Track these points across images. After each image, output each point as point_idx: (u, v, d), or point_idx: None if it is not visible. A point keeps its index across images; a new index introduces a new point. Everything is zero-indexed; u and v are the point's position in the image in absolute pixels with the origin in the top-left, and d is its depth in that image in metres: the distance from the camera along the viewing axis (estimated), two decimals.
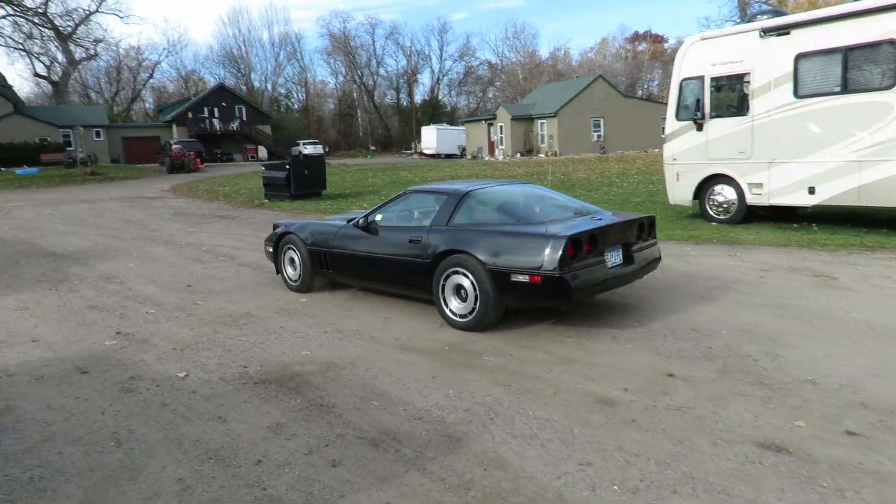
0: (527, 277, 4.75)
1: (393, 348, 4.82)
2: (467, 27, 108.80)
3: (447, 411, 3.65)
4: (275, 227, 7.14)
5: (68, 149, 41.49)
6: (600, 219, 5.30)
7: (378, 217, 6.06)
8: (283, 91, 73.15)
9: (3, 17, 32.37)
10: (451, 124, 59.55)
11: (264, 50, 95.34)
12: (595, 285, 4.85)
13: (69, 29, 36.51)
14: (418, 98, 73.29)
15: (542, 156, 40.64)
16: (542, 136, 42.55)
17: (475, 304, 5.09)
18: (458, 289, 5.24)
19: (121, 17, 53.40)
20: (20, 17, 32.56)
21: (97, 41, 40.51)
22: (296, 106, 73.50)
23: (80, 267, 8.79)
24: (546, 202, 5.81)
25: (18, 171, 34.52)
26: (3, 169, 36.62)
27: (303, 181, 17.32)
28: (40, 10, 33.07)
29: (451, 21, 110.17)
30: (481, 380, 4.11)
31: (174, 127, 49.39)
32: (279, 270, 7.04)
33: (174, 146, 36.22)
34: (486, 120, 46.32)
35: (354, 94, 74.64)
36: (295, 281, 6.83)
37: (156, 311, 6.19)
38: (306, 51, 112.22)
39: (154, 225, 13.47)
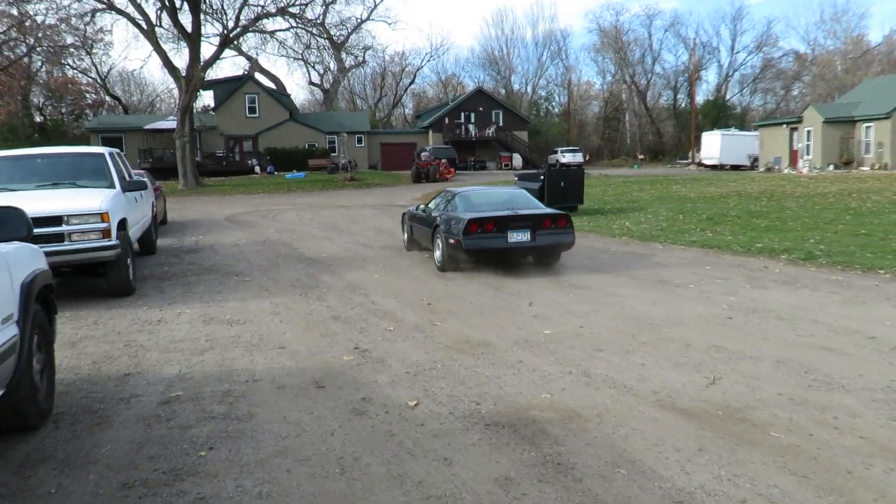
0: (453, 240, 9.47)
1: (650, 404, 4.47)
2: (769, 11, 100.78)
3: (717, 499, 3.23)
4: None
5: (332, 154, 47.70)
6: (515, 212, 9.65)
7: (430, 204, 11.29)
8: (543, 94, 75.31)
9: (287, 29, 38.38)
10: (741, 129, 55.48)
11: (527, 50, 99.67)
12: (492, 250, 9.41)
13: (342, 38, 42.00)
14: (700, 99, 69.81)
15: (867, 168, 35.59)
16: (867, 144, 37.34)
17: (442, 255, 9.88)
18: (439, 246, 9.97)
19: (389, 24, 60.59)
20: (301, 28, 38.27)
21: (366, 48, 46.10)
22: (556, 109, 75.06)
23: (329, 275, 9.87)
24: (504, 200, 10.48)
25: (289, 175, 40.65)
26: (276, 172, 43.47)
27: (558, 194, 17.42)
28: (318, 21, 38.52)
29: (749, 5, 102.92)
30: (766, 462, 3.58)
31: (430, 133, 53.77)
32: (403, 235, 12.72)
33: (423, 154, 39.25)
34: (787, 123, 42.15)
35: (623, 96, 73.77)
36: (405, 243, 12.31)
37: (394, 329, 6.63)
38: (571, 49, 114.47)
39: (402, 235, 14.64)
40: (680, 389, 4.74)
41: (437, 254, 10.03)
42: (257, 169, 44.94)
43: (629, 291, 8.16)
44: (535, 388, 4.82)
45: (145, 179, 11.92)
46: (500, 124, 54.56)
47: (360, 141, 51.59)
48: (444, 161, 38.93)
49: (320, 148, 48.88)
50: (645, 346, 5.80)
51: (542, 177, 17.45)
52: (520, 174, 19.38)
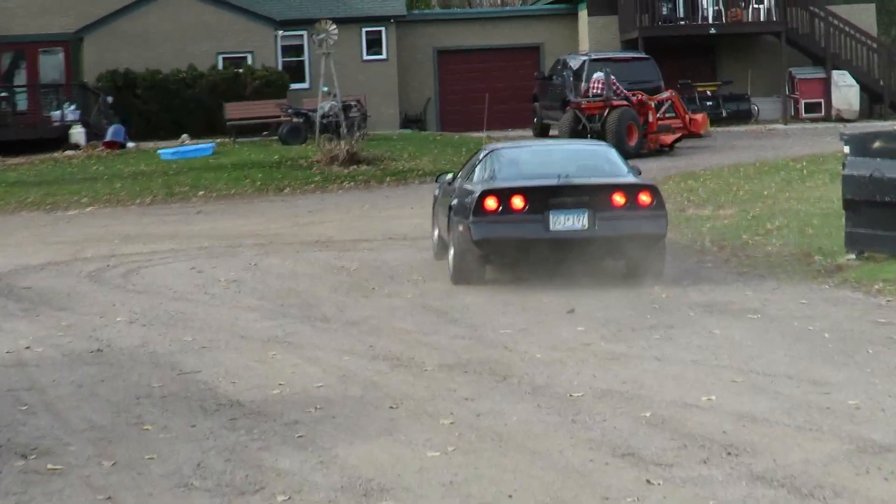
0: (461, 227, 18.81)
1: None
2: None
3: None
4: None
5: (293, 88, 48.46)
6: (567, 181, 18.04)
7: (460, 173, 22.69)
8: None
9: None
10: None
11: None
12: (520, 244, 18.60)
13: None
14: None
15: None
16: None
17: (454, 254, 19.97)
18: (453, 239, 20.26)
19: None
20: None
21: None
22: None
23: (295, 450, 9.75)
24: (558, 160, 20.41)
25: (166, 151, 41.35)
26: (132, 144, 44.30)
27: None
28: None
29: None
30: None
31: (584, 20, 54.31)
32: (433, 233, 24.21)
33: (597, 77, 39.44)
34: None
35: None
36: (434, 247, 23.10)
37: None
38: None
39: (503, 328, 14.57)
40: None
41: (451, 253, 17.59)
42: (78, 134, 45.97)
43: None
44: None
45: None
46: None
47: (374, 46, 52.62)
48: (657, 99, 39.32)
49: (258, 70, 49.80)
50: None
51: None
52: (856, 136, 19.24)
